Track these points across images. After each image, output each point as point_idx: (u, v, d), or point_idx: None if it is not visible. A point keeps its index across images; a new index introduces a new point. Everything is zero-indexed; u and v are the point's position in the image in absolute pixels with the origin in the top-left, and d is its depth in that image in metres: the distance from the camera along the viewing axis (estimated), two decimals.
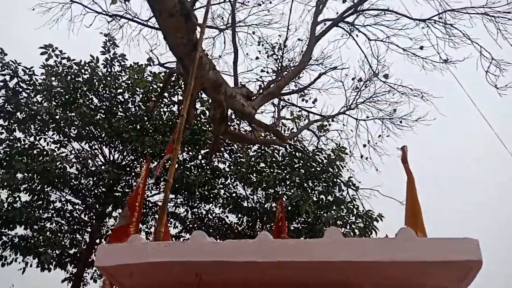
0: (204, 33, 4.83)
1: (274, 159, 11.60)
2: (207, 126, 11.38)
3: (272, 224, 11.38)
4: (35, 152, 10.75)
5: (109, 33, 10.82)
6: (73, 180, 10.89)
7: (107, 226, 11.65)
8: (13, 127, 10.75)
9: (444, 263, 2.29)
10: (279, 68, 9.41)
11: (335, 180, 10.86)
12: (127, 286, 2.85)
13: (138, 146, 10.71)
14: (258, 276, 2.60)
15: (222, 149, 11.41)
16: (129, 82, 11.59)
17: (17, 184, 9.99)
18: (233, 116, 10.57)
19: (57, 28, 7.21)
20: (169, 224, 11.32)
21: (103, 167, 10.93)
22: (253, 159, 11.55)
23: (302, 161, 11.28)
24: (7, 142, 10.67)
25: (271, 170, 11.50)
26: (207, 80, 5.53)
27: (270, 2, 9.65)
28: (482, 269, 2.33)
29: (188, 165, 11.72)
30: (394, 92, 9.28)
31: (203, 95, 9.84)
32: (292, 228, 10.47)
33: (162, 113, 11.68)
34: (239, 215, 11.75)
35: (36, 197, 10.62)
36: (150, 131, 11.24)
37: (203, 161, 11.93)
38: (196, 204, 12.13)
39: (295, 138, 11.02)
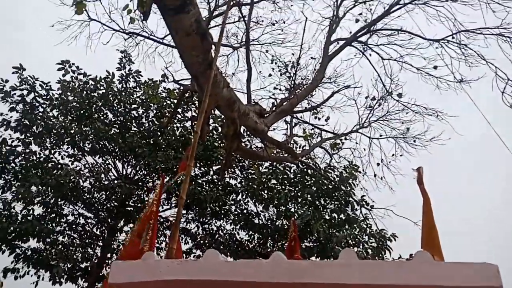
0: (219, 52, 4.90)
1: (285, 176, 11.56)
2: (219, 142, 11.44)
3: (283, 242, 11.28)
4: (49, 165, 10.91)
5: (125, 50, 11.06)
6: (86, 194, 10.98)
7: (119, 240, 11.67)
8: (29, 140, 10.95)
9: None
10: (292, 85, 9.46)
11: (347, 198, 10.75)
12: None
13: (151, 161, 10.80)
14: None
15: (233, 165, 11.43)
16: (143, 97, 11.76)
17: (32, 197, 10.11)
18: (244, 133, 10.61)
19: (75, 45, 7.39)
20: (180, 240, 11.28)
21: (115, 182, 11.02)
22: (264, 175, 11.53)
23: (314, 179, 11.21)
24: (23, 155, 10.87)
25: (283, 187, 11.45)
26: (221, 97, 5.58)
27: (284, 22, 9.79)
28: None
29: (200, 181, 11.75)
30: (408, 110, 9.23)
31: (216, 112, 9.92)
32: (303, 246, 10.35)
33: (175, 128, 11.79)
34: (250, 232, 11.67)
35: (49, 210, 10.74)
36: (163, 146, 11.34)
37: (214, 177, 11.95)
38: (207, 220, 12.10)
39: (307, 156, 10.99)
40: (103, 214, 11.50)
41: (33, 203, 10.45)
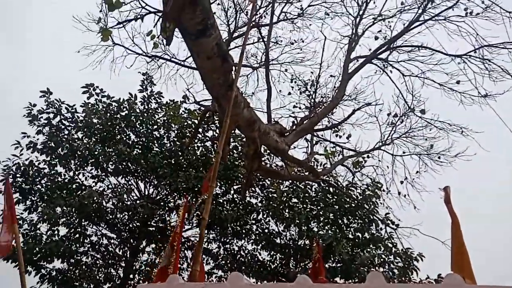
0: (240, 73, 4.96)
1: (306, 194, 11.44)
2: (240, 161, 11.45)
3: (306, 262, 11.09)
4: (74, 186, 11.13)
5: (147, 72, 11.30)
6: (109, 214, 11.11)
7: (141, 261, 11.70)
8: (55, 162, 11.22)
9: None
10: (312, 104, 9.44)
11: (371, 217, 10.53)
12: None
13: (172, 181, 10.88)
14: None
15: (254, 184, 11.40)
16: (165, 118, 11.94)
17: (57, 218, 10.29)
18: (265, 152, 10.59)
19: (100, 69, 7.60)
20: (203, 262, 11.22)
21: (138, 202, 11.12)
22: (285, 194, 11.43)
23: (336, 197, 11.05)
24: (49, 176, 11.13)
25: (304, 205, 11.32)
26: (242, 118, 5.61)
27: (303, 41, 9.85)
28: None
29: (221, 200, 11.74)
30: (431, 127, 9.05)
31: (236, 131, 9.98)
32: (327, 266, 10.13)
33: (196, 148, 11.89)
34: (272, 252, 11.53)
35: (73, 230, 10.89)
36: (184, 166, 11.42)
37: (235, 196, 11.93)
38: (228, 240, 12.03)
39: (328, 174, 10.86)
40: (125, 235, 11.59)
41: (58, 224, 10.63)
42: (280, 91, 10.10)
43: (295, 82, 10.16)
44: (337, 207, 10.84)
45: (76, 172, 11.50)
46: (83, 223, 10.96)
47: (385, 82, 9.22)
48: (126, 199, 11.13)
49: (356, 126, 9.61)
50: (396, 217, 10.25)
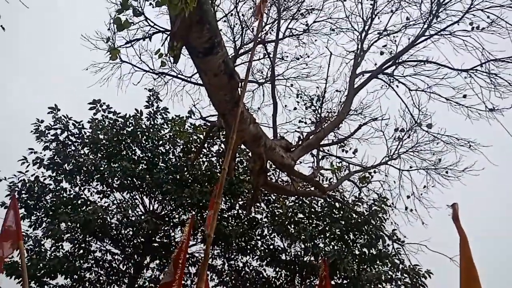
0: (246, 89, 4.95)
1: (312, 209, 11.34)
2: (245, 176, 11.40)
3: (312, 278, 10.94)
4: (79, 202, 11.11)
5: (153, 89, 11.37)
6: (113, 230, 11.06)
7: (145, 277, 11.59)
8: (60, 177, 11.23)
9: None
10: (318, 119, 9.42)
11: (378, 232, 10.40)
12: None
13: (177, 197, 10.84)
14: None
15: (259, 199, 11.33)
16: (171, 134, 11.96)
17: (61, 234, 10.25)
18: (270, 167, 10.55)
19: (107, 86, 7.65)
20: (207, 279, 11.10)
21: (142, 217, 11.06)
22: (290, 209, 11.34)
23: (342, 212, 10.94)
24: (54, 192, 11.12)
25: (310, 221, 11.21)
26: (248, 134, 5.59)
27: (308, 56, 9.90)
28: None
29: (226, 215, 11.67)
30: (438, 141, 8.97)
31: (242, 146, 9.96)
32: (333, 283, 9.98)
33: (201, 163, 11.87)
34: (277, 269, 11.39)
35: (77, 246, 10.84)
36: (189, 181, 11.39)
37: (240, 211, 11.85)
38: (233, 256, 11.91)
39: (334, 189, 10.77)
40: (129, 250, 11.51)
41: (62, 240, 10.59)
42: (285, 106, 10.11)
43: (301, 97, 10.17)
44: (343, 222, 10.72)
45: (82, 188, 11.50)
46: (87, 239, 10.91)
47: (391, 96, 9.20)
48: (131, 215, 11.08)
49: (363, 141, 9.55)
50: (402, 233, 10.11)
